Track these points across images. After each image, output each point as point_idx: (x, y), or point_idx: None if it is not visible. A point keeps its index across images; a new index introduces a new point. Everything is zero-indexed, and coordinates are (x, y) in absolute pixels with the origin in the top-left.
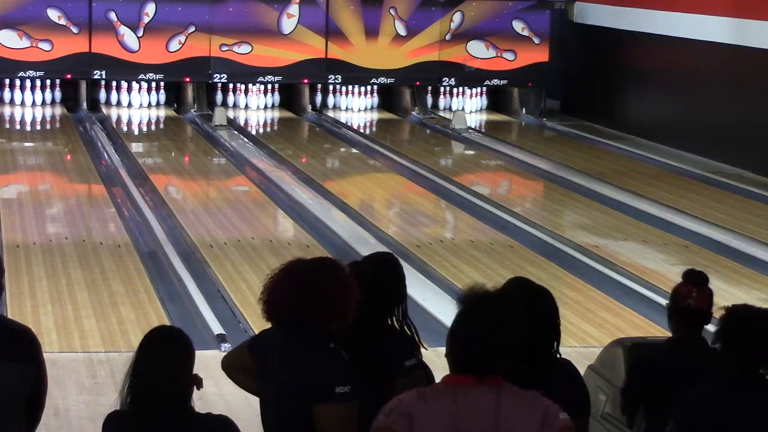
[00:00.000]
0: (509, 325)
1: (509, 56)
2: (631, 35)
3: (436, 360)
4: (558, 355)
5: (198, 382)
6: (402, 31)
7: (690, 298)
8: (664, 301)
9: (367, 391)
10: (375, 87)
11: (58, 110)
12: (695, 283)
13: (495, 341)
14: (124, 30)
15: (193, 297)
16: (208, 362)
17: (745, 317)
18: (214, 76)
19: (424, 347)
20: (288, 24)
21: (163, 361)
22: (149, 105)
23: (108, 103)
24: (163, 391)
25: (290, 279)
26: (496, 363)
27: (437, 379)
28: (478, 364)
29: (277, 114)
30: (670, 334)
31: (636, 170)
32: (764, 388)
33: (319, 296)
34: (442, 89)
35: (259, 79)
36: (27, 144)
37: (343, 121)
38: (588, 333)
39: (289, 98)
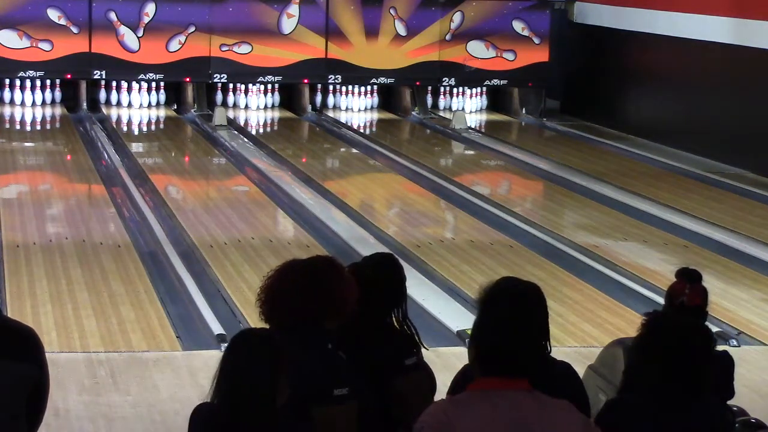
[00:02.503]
0: (533, 323)
1: (509, 56)
2: (631, 35)
3: (436, 360)
4: (549, 350)
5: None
6: (402, 31)
7: (683, 295)
8: (663, 301)
9: (367, 391)
10: (375, 87)
11: (58, 110)
12: (688, 280)
13: (520, 339)
14: (124, 30)
15: (193, 297)
16: (208, 362)
17: (670, 330)
18: (214, 76)
19: (424, 347)
20: (288, 24)
21: (247, 362)
22: (149, 105)
23: (108, 103)
24: (247, 391)
25: (289, 278)
26: (524, 362)
27: (439, 379)
28: (507, 364)
29: (277, 114)
30: None
31: (636, 170)
32: (689, 400)
33: (320, 293)
34: (442, 89)
35: (259, 79)
36: (27, 144)
37: (343, 121)
38: (588, 333)
39: (289, 98)
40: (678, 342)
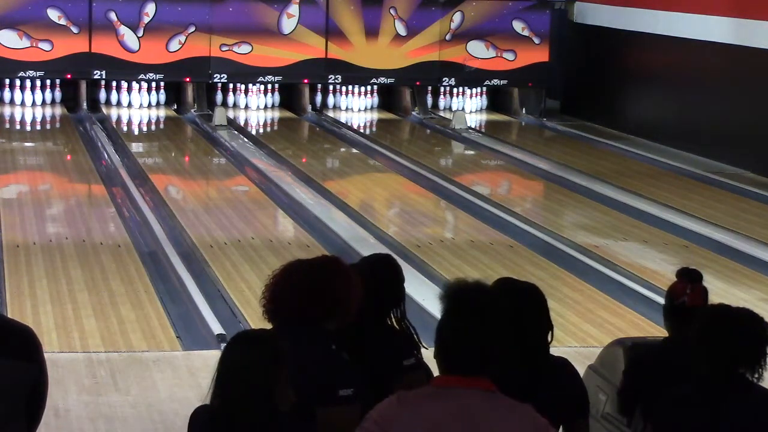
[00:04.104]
0: (489, 320)
1: (509, 56)
2: (631, 35)
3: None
4: (549, 349)
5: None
6: (402, 31)
7: (684, 295)
8: (664, 301)
9: (368, 392)
10: (375, 87)
11: (58, 110)
12: (689, 280)
13: (475, 337)
14: (124, 30)
15: (193, 297)
16: (208, 362)
17: (723, 318)
18: (214, 76)
19: (424, 347)
20: (288, 24)
21: (242, 363)
22: (149, 105)
23: (108, 103)
24: (243, 392)
25: (295, 277)
26: (480, 360)
27: None
28: (461, 362)
29: (277, 114)
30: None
31: (636, 170)
32: (743, 390)
33: (325, 293)
34: (442, 89)
35: (259, 79)
36: (27, 144)
37: (343, 121)
38: (588, 333)
39: (289, 98)
40: (739, 333)
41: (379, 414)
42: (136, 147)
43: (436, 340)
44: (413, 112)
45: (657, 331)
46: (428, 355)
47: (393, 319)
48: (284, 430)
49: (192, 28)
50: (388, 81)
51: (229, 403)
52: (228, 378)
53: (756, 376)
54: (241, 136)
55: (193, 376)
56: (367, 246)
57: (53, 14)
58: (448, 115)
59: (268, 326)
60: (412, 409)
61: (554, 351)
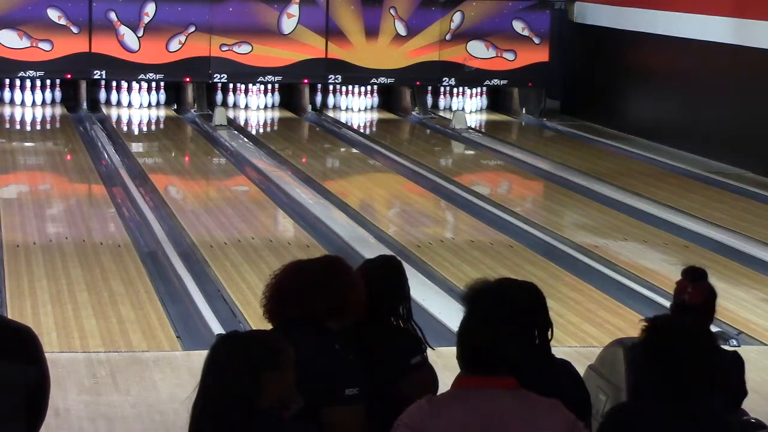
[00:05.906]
0: (508, 319)
1: (509, 56)
2: (631, 35)
3: (437, 360)
4: (549, 349)
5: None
6: (402, 31)
7: (685, 293)
8: (664, 301)
9: (370, 391)
10: (375, 87)
11: (58, 110)
12: (691, 279)
13: (498, 337)
14: (124, 30)
15: (193, 297)
16: None
17: (668, 337)
18: (214, 76)
19: (430, 347)
20: (288, 24)
21: (220, 363)
22: (149, 105)
23: (108, 103)
24: (219, 392)
25: (297, 277)
26: (504, 360)
27: (441, 379)
28: (486, 362)
29: (277, 114)
30: None
31: (636, 170)
32: (691, 409)
33: (328, 293)
34: (442, 89)
35: (259, 79)
36: (27, 144)
37: (343, 121)
38: (588, 333)
39: (289, 98)
40: (672, 344)
41: (410, 418)
42: (136, 147)
43: (459, 342)
44: (413, 112)
45: None
46: (431, 355)
47: (399, 320)
48: (287, 430)
49: (192, 28)
50: (388, 81)
51: (208, 403)
52: (206, 378)
53: (699, 389)
54: (241, 136)
55: (193, 376)
56: (367, 246)
57: (53, 14)
58: (448, 115)
59: (269, 326)
60: (444, 412)
61: (554, 351)
